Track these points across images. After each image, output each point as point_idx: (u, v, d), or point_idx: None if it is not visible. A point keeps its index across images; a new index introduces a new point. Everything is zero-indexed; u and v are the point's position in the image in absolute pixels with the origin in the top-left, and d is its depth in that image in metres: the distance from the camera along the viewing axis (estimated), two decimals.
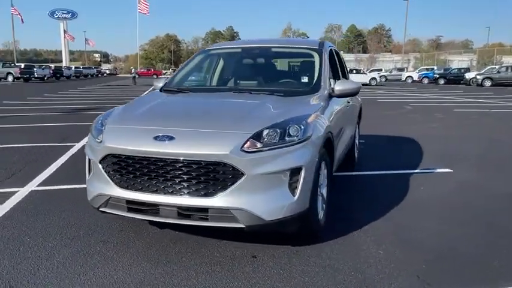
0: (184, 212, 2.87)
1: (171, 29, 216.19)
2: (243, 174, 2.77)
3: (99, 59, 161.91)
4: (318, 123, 3.28)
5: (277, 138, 2.90)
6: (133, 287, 2.64)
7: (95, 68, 76.47)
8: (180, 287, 2.66)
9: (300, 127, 3.02)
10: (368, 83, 39.01)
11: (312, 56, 4.35)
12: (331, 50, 4.82)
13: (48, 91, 25.25)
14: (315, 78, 4.05)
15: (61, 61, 72.95)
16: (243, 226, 2.83)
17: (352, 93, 4.08)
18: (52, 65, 54.65)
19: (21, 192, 4.58)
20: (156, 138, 2.89)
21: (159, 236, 3.47)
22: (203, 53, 4.97)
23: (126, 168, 2.98)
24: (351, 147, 5.48)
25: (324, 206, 3.62)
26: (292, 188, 2.92)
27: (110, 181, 3.03)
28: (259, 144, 2.84)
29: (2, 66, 40.88)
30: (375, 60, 79.11)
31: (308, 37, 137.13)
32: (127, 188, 2.97)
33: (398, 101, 19.58)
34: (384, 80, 50.22)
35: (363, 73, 42.44)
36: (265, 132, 2.91)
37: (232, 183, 2.79)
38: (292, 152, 2.90)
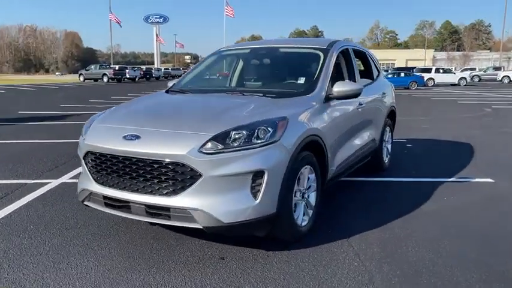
0: (151, 210, 2.95)
1: (256, 30, 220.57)
2: (200, 175, 2.80)
3: (189, 61, 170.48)
4: (295, 126, 3.18)
5: (242, 140, 2.87)
6: (94, 276, 2.80)
7: (182, 69, 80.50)
8: (133, 281, 2.76)
9: (268, 130, 2.96)
10: (456, 83, 36.41)
11: (318, 57, 4.21)
12: (345, 50, 4.63)
13: (133, 91, 27.17)
14: (313, 79, 3.92)
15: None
16: (201, 227, 2.86)
17: (351, 95, 3.90)
18: (143, 67, 58.78)
19: (53, 183, 5.05)
20: (125, 137, 3.03)
21: (145, 231, 3.61)
22: (217, 54, 5.04)
23: (101, 165, 3.15)
24: (375, 152, 5.22)
25: (311, 212, 3.51)
26: (255, 192, 2.87)
27: (90, 177, 3.23)
28: (220, 146, 2.84)
29: (99, 68, 44.96)
30: (469, 59, 73.41)
31: (396, 35, 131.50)
32: (103, 184, 3.15)
33: (480, 103, 18.03)
34: (477, 80, 46.51)
35: (452, 72, 39.70)
36: (230, 133, 2.89)
37: (191, 184, 2.82)
38: (255, 155, 2.86)
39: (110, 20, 56.77)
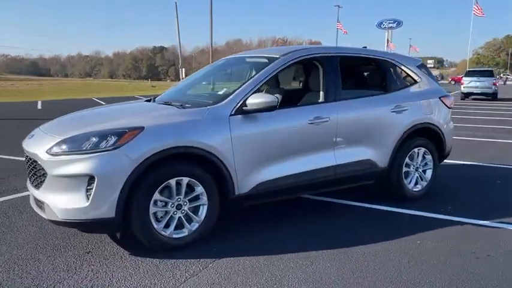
0: (38, 202, 3.43)
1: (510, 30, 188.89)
2: (46, 173, 3.24)
3: (432, 65, 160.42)
4: (153, 137, 3.23)
5: (87, 145, 3.13)
6: None
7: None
8: None
9: (111, 138, 3.13)
10: None
11: (261, 66, 3.96)
12: (315, 58, 4.18)
13: None
14: (234, 89, 3.75)
15: None
16: (47, 219, 3.28)
17: (264, 108, 3.56)
18: None
19: None
20: (30, 137, 3.71)
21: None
22: (219, 60, 5.17)
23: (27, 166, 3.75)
24: (381, 176, 4.46)
25: (196, 225, 3.44)
26: (88, 194, 3.12)
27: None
28: (65, 148, 3.17)
29: None
30: None
31: None
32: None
33: None
34: None
35: None
36: (77, 138, 3.21)
37: (44, 180, 3.29)
38: (87, 160, 3.08)
39: (337, 29, 59.06)
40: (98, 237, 3.67)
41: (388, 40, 75.95)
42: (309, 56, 4.19)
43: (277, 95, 3.89)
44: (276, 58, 4.01)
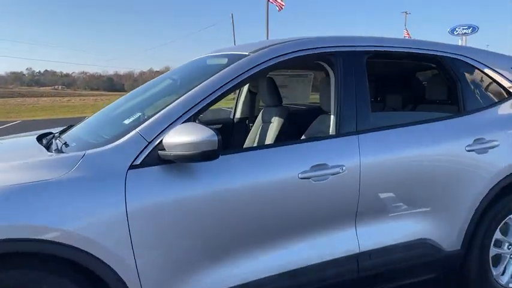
0: None
1: None
2: None
3: None
4: None
5: None
6: None
7: None
8: None
9: None
10: None
11: (216, 71, 2.18)
12: (302, 58, 2.33)
13: None
14: (148, 116, 2.02)
15: None
16: None
17: (190, 156, 1.78)
18: None
19: None
20: None
21: None
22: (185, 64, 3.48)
23: None
24: (444, 265, 2.46)
25: None
26: None
27: None
28: None
29: None
30: None
31: None
32: None
33: None
34: None
35: None
36: None
37: None
38: None
39: (404, 36, 55.53)
40: None
41: None
42: (306, 53, 2.31)
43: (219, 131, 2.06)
44: (242, 57, 2.21)
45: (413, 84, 3.47)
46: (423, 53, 2.61)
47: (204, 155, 1.77)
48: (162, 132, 1.87)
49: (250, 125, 3.60)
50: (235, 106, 3.79)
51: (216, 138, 1.76)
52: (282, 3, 23.46)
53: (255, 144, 3.14)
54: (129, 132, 1.89)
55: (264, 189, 2.00)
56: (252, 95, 3.70)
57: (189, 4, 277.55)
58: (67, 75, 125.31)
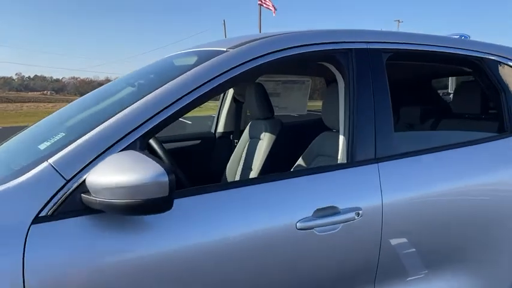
0: None
1: None
2: None
3: None
4: None
5: None
6: None
7: None
8: None
9: None
10: None
11: (178, 74, 1.55)
12: (298, 56, 1.64)
13: None
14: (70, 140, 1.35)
15: None
16: None
17: (126, 208, 1.12)
18: None
19: None
20: None
21: None
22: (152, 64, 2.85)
23: None
24: None
25: None
26: None
27: None
28: None
29: None
30: None
31: None
32: None
33: None
34: None
35: None
36: None
37: None
38: None
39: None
40: None
41: None
42: (304, 51, 1.63)
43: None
44: (218, 53, 1.56)
45: (433, 93, 2.87)
46: (464, 54, 1.98)
47: (147, 206, 1.12)
48: (89, 164, 1.22)
49: (235, 141, 2.96)
50: (217, 117, 3.14)
51: (166, 178, 1.10)
52: (270, 6, 22.86)
53: (240, 167, 2.53)
54: (38, 164, 1.24)
55: (243, 249, 1.35)
56: (237, 104, 3.07)
57: (184, 10, 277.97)
58: (57, 80, 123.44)
